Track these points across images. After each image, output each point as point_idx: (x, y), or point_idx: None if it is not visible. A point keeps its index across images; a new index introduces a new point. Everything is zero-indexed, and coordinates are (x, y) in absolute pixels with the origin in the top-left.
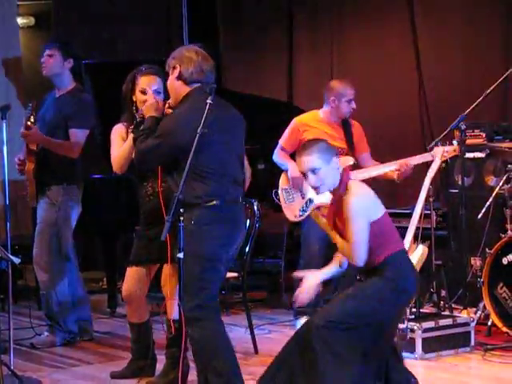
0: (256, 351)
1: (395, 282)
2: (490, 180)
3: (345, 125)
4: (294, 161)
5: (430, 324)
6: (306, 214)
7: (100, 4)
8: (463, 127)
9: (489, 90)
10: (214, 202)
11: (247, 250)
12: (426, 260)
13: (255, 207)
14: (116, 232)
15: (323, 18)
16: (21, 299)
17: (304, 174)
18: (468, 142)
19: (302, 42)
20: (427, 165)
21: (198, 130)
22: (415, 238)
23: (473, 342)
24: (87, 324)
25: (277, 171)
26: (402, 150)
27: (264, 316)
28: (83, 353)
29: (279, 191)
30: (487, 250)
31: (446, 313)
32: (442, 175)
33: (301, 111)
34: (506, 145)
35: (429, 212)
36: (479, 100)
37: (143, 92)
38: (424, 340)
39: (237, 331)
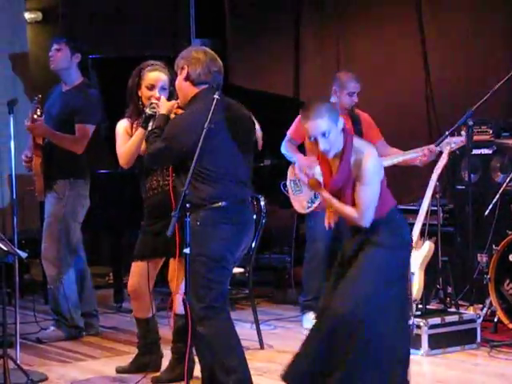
0: (262, 347)
1: (394, 239)
2: (497, 177)
3: (352, 116)
4: (302, 153)
5: (436, 320)
6: (315, 205)
7: None
8: (470, 123)
9: (496, 86)
10: (220, 204)
11: (253, 245)
12: (433, 256)
13: (261, 203)
14: (122, 227)
15: (330, 15)
16: (27, 293)
17: (311, 138)
18: (475, 138)
19: (308, 39)
20: (434, 161)
21: (205, 126)
22: (422, 235)
23: (479, 339)
24: (93, 319)
25: (283, 166)
26: (408, 147)
27: (270, 311)
28: (89, 347)
29: (287, 183)
30: (494, 246)
31: (453, 309)
32: (448, 172)
33: None
34: None
35: (435, 208)
36: (487, 96)
37: (149, 87)
38: (430, 336)
39: (243, 327)
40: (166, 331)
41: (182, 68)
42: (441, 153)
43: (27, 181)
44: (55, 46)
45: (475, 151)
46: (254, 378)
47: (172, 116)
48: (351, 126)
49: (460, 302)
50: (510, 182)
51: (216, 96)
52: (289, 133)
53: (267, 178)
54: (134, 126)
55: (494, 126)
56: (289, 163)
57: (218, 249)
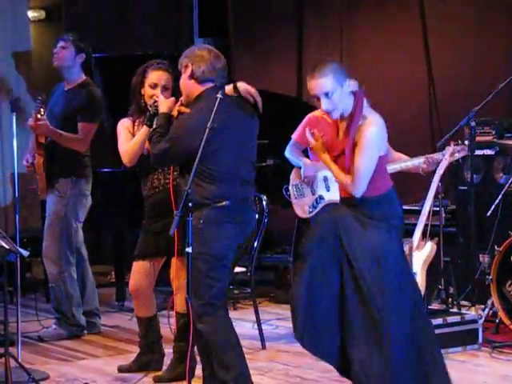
0: (263, 346)
1: (388, 221)
2: (500, 177)
3: None
4: (307, 157)
5: (438, 321)
6: (316, 210)
7: None
8: (473, 124)
9: (499, 87)
10: (224, 203)
11: (255, 245)
12: (435, 257)
13: (264, 203)
14: (124, 225)
15: (333, 14)
16: (29, 292)
17: (315, 97)
18: (478, 139)
19: (311, 38)
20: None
21: (208, 125)
22: (424, 235)
23: (480, 340)
24: (95, 317)
25: (286, 167)
26: (410, 147)
27: (272, 311)
28: (91, 346)
29: (290, 187)
30: (496, 247)
31: (454, 310)
32: (451, 172)
33: (310, 107)
34: None
35: (438, 209)
36: (490, 97)
37: (152, 86)
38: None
39: (244, 326)
40: (167, 330)
41: (186, 66)
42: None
43: (30, 179)
44: (61, 43)
45: (478, 152)
46: (255, 378)
47: (174, 113)
48: None
49: (462, 303)
50: None
51: (219, 95)
52: (293, 137)
53: (270, 178)
54: (136, 124)
55: (496, 127)
56: (292, 164)
57: (221, 247)
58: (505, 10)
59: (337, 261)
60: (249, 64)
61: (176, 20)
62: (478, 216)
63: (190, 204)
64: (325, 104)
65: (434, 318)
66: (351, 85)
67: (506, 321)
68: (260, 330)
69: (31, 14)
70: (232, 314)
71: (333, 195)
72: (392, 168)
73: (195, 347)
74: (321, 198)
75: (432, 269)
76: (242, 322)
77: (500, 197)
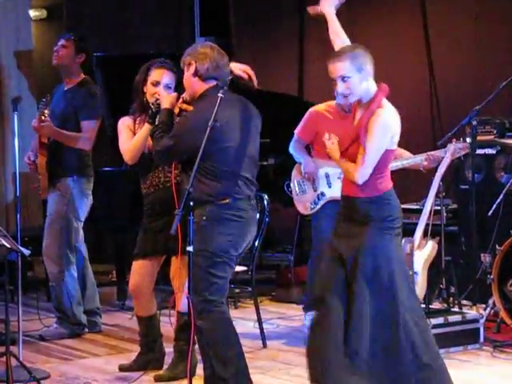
0: (264, 345)
1: (385, 222)
2: (501, 176)
3: None
4: (309, 153)
5: (439, 320)
6: (318, 207)
7: None
8: (474, 123)
9: (501, 86)
10: (227, 200)
11: (256, 244)
12: (436, 256)
13: (265, 201)
14: (126, 224)
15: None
16: (30, 291)
17: (333, 81)
18: (479, 138)
19: (313, 37)
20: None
21: (209, 123)
22: (425, 234)
23: (482, 339)
24: (96, 316)
25: (287, 166)
26: (412, 146)
27: (273, 310)
28: (92, 345)
29: (291, 183)
30: (497, 246)
31: (456, 309)
32: (452, 171)
33: (311, 105)
34: None
35: (439, 208)
36: (491, 96)
37: (154, 84)
38: (433, 336)
39: (245, 325)
40: (168, 329)
41: (190, 64)
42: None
43: (31, 178)
44: (62, 42)
45: (479, 151)
46: (256, 377)
47: (176, 110)
48: None
49: (463, 302)
50: None
51: (220, 94)
52: (296, 132)
53: (271, 177)
54: (137, 122)
55: (497, 126)
56: (293, 163)
57: (223, 244)
58: (507, 10)
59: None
60: (250, 63)
61: (177, 19)
62: (480, 215)
63: (191, 203)
64: (340, 87)
65: (435, 318)
66: (371, 72)
67: (508, 320)
68: (261, 328)
69: (33, 12)
70: (233, 312)
71: (334, 192)
72: (394, 165)
73: (196, 346)
74: (322, 194)
75: (433, 268)
76: (243, 321)
77: (501, 196)
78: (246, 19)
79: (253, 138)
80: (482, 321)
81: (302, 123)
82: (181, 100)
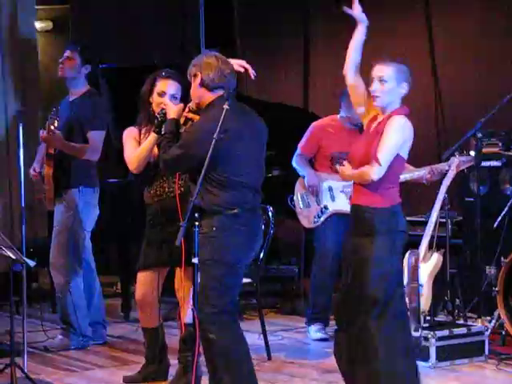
0: (269, 357)
1: (391, 235)
2: (506, 189)
3: (362, 130)
4: (312, 167)
5: (444, 333)
6: (321, 220)
7: (116, 9)
8: (479, 135)
9: (506, 99)
10: (236, 210)
11: (261, 256)
12: (441, 268)
13: (270, 213)
14: (130, 236)
15: (339, 24)
16: (35, 302)
17: (372, 78)
18: (484, 150)
19: (318, 48)
20: (443, 174)
21: (215, 136)
22: (430, 246)
23: (487, 352)
24: (101, 328)
25: (292, 177)
26: (417, 159)
27: (277, 322)
28: (97, 356)
29: (295, 197)
30: (502, 259)
31: (461, 321)
32: (457, 184)
33: (316, 117)
34: None
35: (444, 220)
36: (496, 108)
37: (160, 94)
38: (438, 348)
39: (250, 337)
40: (173, 341)
41: (195, 75)
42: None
43: (37, 189)
44: (67, 54)
45: (484, 163)
46: None
47: (182, 120)
48: None
49: (468, 315)
50: None
51: (226, 106)
52: (299, 147)
53: (276, 189)
54: (143, 132)
55: (503, 139)
56: (298, 175)
57: (234, 255)
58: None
59: None
60: (255, 72)
61: (182, 31)
62: (485, 228)
63: (196, 214)
64: (375, 86)
65: (440, 330)
66: (405, 90)
67: None
68: (266, 340)
69: (38, 24)
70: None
71: (338, 205)
72: None
73: (201, 358)
74: (326, 208)
75: (438, 280)
76: (248, 333)
77: (506, 208)
78: (251, 30)
79: (259, 147)
80: (487, 333)
81: (304, 138)
82: (187, 109)
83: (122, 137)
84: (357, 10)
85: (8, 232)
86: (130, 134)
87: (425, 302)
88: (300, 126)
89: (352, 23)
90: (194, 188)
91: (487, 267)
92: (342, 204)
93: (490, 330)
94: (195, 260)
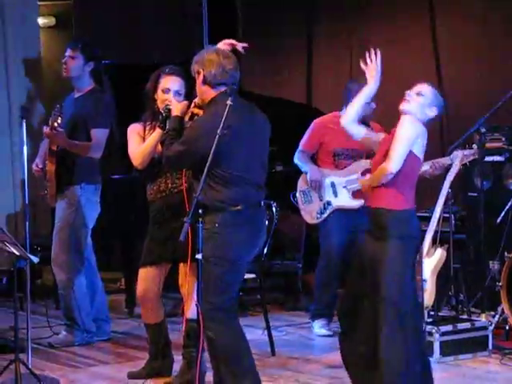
0: (273, 353)
1: (403, 239)
2: (510, 184)
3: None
4: (314, 163)
5: (448, 327)
6: (324, 216)
7: (120, 5)
8: (483, 130)
9: (509, 94)
10: (239, 207)
11: (265, 251)
12: (445, 263)
13: (274, 209)
14: (134, 232)
15: (343, 21)
16: (39, 298)
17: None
18: (487, 145)
19: (321, 45)
20: (446, 168)
21: (218, 131)
22: (434, 242)
23: (491, 346)
24: (105, 324)
25: (295, 173)
26: None
27: (281, 318)
28: (100, 353)
29: (297, 193)
30: (506, 253)
31: (464, 316)
32: (461, 179)
33: (319, 113)
34: None
35: (447, 215)
36: (500, 104)
37: (165, 91)
38: (442, 343)
39: (254, 333)
40: (177, 336)
41: (198, 72)
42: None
43: (40, 186)
44: (69, 53)
45: (487, 158)
46: None
47: (188, 116)
48: None
49: (472, 310)
50: None
51: (229, 102)
52: (301, 144)
53: (279, 185)
54: (147, 128)
55: (506, 133)
56: (300, 170)
57: (236, 252)
58: None
59: None
60: (259, 71)
61: (186, 29)
62: (488, 223)
63: (200, 211)
64: (411, 95)
65: (444, 325)
66: (432, 113)
67: None
68: (270, 336)
69: (41, 20)
70: (241, 320)
71: (341, 201)
72: None
73: (205, 353)
74: (328, 203)
75: (442, 275)
76: (252, 329)
77: (510, 203)
78: (254, 28)
79: (262, 143)
80: (490, 328)
81: (306, 135)
82: (193, 104)
83: (125, 133)
84: (375, 71)
85: (12, 228)
86: (134, 130)
87: (428, 297)
88: (303, 122)
89: (353, 23)
90: (197, 184)
91: (491, 262)
92: (344, 200)
93: (493, 325)
94: (199, 256)
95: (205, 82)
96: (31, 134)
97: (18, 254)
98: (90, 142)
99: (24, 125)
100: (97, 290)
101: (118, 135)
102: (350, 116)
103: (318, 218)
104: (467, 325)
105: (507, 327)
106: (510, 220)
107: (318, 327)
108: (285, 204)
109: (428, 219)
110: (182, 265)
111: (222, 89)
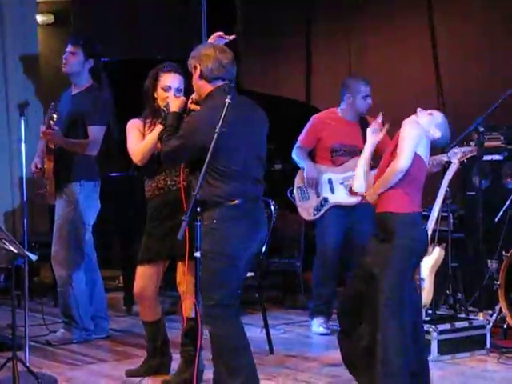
0: (271, 351)
1: (407, 242)
2: (508, 183)
3: (362, 123)
4: (312, 159)
5: (446, 326)
6: (321, 213)
7: (118, 2)
8: (481, 129)
9: (508, 92)
10: (236, 202)
11: (263, 249)
12: (443, 262)
13: (272, 207)
14: (133, 230)
15: (342, 21)
16: (37, 296)
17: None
18: (486, 144)
19: (319, 42)
20: (445, 167)
21: (217, 129)
22: (432, 240)
23: (488, 345)
24: (103, 322)
25: (293, 171)
26: None
27: (280, 316)
28: (99, 350)
29: (294, 190)
30: (504, 252)
31: (462, 315)
32: (459, 178)
33: (318, 111)
34: None
35: (446, 214)
36: (498, 102)
37: (165, 89)
38: (440, 342)
39: (252, 331)
40: (175, 334)
41: (195, 67)
42: (448, 162)
43: (38, 183)
44: (70, 49)
45: (486, 157)
46: (263, 383)
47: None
48: (360, 135)
49: (470, 308)
50: None
51: (228, 100)
52: (299, 140)
53: (277, 183)
54: (147, 125)
55: (505, 133)
56: (299, 168)
57: (234, 247)
58: None
59: None
60: (258, 69)
61: (184, 24)
62: (486, 221)
63: (198, 209)
64: (420, 113)
65: (441, 324)
66: (434, 135)
67: None
68: (268, 334)
69: (40, 17)
70: (239, 315)
71: (338, 197)
72: None
73: (203, 352)
74: (325, 200)
75: (440, 274)
76: (250, 327)
77: (508, 202)
78: (253, 25)
79: (260, 138)
80: (488, 327)
81: (304, 131)
82: (190, 100)
83: (124, 130)
84: (378, 138)
85: (10, 226)
86: (133, 125)
87: (426, 295)
88: (302, 120)
89: (352, 23)
90: (195, 179)
91: (489, 261)
92: (341, 196)
93: (491, 324)
94: (197, 254)
95: (201, 76)
96: (29, 132)
97: (15, 251)
98: (86, 140)
99: (22, 123)
100: (96, 287)
101: (117, 133)
102: (360, 184)
103: (314, 215)
104: (465, 323)
105: (505, 326)
106: (509, 219)
107: (317, 325)
108: (283, 202)
109: (426, 218)
110: (180, 263)
111: (219, 83)
